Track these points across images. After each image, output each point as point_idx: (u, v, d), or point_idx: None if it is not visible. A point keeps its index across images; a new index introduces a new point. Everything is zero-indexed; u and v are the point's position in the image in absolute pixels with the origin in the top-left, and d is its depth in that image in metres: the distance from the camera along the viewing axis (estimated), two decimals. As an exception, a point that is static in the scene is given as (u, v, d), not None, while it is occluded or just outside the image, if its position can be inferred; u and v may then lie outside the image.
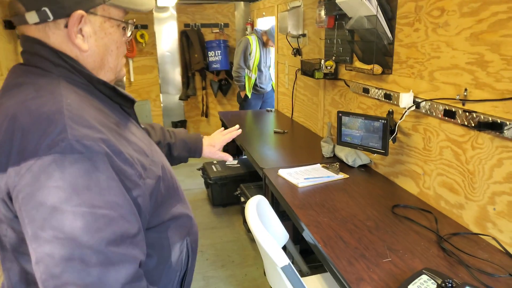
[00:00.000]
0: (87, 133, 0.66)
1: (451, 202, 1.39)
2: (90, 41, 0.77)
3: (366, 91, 1.94)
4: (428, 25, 1.47)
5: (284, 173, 1.90)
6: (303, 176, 1.83)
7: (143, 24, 4.47)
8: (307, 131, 2.82)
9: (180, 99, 4.85)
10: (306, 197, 1.62)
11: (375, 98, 1.87)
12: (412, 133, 1.61)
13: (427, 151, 1.51)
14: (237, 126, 1.42)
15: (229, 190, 3.23)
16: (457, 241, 1.24)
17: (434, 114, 1.43)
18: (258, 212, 1.38)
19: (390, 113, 1.74)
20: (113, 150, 0.69)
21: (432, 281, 0.97)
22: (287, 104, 3.38)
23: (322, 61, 2.27)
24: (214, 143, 1.34)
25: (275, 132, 2.80)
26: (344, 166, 1.97)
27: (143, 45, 4.51)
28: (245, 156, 3.41)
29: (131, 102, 0.85)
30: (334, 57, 2.25)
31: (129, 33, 0.84)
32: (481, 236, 1.26)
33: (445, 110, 1.36)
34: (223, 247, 2.68)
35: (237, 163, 3.50)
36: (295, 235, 1.94)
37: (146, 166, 0.77)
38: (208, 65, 4.69)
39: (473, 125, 1.24)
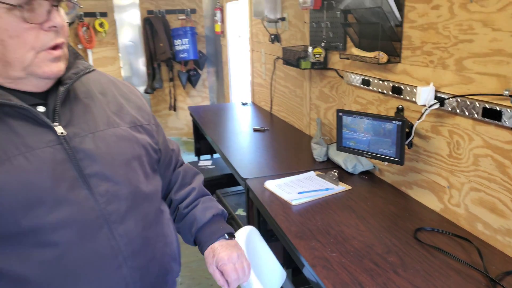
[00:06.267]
0: None
1: (494, 227, 1.10)
2: None
3: (366, 83, 1.62)
4: (453, 1, 1.15)
5: (272, 185, 1.56)
6: (296, 190, 1.50)
7: (102, 12, 4.04)
8: (290, 128, 2.49)
9: (146, 92, 4.38)
10: (304, 220, 1.29)
11: (378, 92, 1.56)
12: (431, 136, 1.30)
13: (455, 159, 1.21)
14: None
15: (203, 197, 2.86)
16: None
17: (466, 113, 1.13)
18: (248, 249, 1.04)
19: (400, 110, 1.43)
20: None
21: None
22: (264, 96, 3.03)
23: (309, 48, 1.93)
24: (216, 256, 0.89)
25: (254, 130, 2.45)
26: (342, 173, 1.66)
27: (103, 34, 4.09)
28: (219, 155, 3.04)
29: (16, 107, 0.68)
30: (323, 43, 1.92)
31: (29, 15, 0.65)
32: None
33: (485, 109, 1.06)
34: (199, 267, 2.32)
35: (211, 164, 3.12)
36: (285, 258, 1.61)
37: None
38: (175, 54, 4.25)
39: (531, 130, 0.94)
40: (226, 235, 0.93)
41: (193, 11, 4.39)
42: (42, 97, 0.74)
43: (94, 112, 0.79)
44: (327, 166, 1.76)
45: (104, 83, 0.86)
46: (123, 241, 0.75)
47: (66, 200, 0.70)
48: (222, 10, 3.97)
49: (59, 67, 0.72)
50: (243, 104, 3.28)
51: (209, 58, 4.55)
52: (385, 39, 1.45)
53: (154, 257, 0.81)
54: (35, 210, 0.67)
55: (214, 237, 0.92)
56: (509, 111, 0.99)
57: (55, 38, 0.69)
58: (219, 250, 0.89)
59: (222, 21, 3.97)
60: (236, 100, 4.07)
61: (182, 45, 4.18)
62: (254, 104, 3.28)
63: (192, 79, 4.51)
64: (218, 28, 4.00)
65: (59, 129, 0.72)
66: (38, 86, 0.73)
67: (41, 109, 0.73)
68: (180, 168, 1.01)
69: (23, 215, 0.66)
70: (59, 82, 0.75)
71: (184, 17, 4.35)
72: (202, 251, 0.93)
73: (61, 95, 0.73)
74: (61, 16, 0.71)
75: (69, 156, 0.72)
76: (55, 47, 0.70)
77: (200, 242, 0.93)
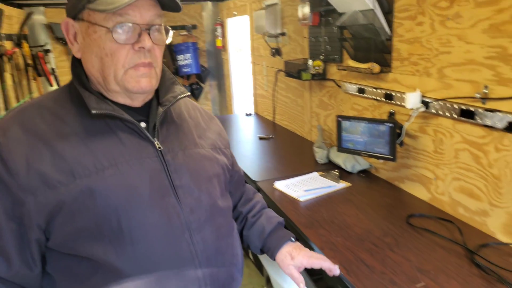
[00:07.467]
0: None
1: (472, 209, 1.28)
2: (82, 48, 0.78)
3: (361, 91, 1.81)
4: (434, 18, 1.35)
5: (281, 185, 1.74)
6: (302, 188, 1.68)
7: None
8: (293, 135, 2.67)
9: (150, 106, 4.57)
10: (311, 213, 1.46)
11: (372, 99, 1.75)
12: (419, 135, 1.49)
13: (439, 154, 1.40)
14: (337, 269, 1.00)
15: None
16: (489, 253, 1.13)
17: (447, 114, 1.32)
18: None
19: (392, 114, 1.62)
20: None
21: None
22: (267, 106, 3.23)
23: (309, 61, 2.13)
24: (296, 257, 1.02)
25: (260, 138, 2.63)
26: (342, 173, 1.84)
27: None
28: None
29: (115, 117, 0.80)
30: (322, 56, 2.12)
31: (121, 37, 0.76)
32: (512, 246, 1.15)
33: (461, 110, 1.25)
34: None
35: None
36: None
37: (50, 182, 0.73)
38: (178, 69, 4.45)
39: (499, 125, 1.13)
40: (292, 238, 1.07)
41: (194, 27, 4.60)
42: (144, 114, 0.85)
43: (184, 132, 0.90)
44: (328, 167, 1.94)
45: (191, 108, 1.00)
46: (200, 247, 0.83)
47: (159, 205, 0.79)
48: (222, 26, 4.19)
49: (147, 82, 0.80)
50: (247, 114, 3.47)
51: (211, 72, 4.76)
52: (377, 51, 1.65)
53: (224, 265, 0.89)
54: (133, 211, 0.76)
55: (283, 241, 1.04)
56: (480, 111, 1.18)
57: (142, 58, 0.78)
58: (295, 252, 1.01)
59: (223, 36, 4.20)
60: (239, 111, 4.26)
61: (184, 60, 4.39)
62: (257, 114, 3.47)
63: (195, 92, 4.70)
64: (219, 43, 4.22)
65: (157, 144, 0.83)
66: (132, 100, 0.83)
67: (142, 125, 0.84)
68: (244, 187, 1.18)
69: (124, 215, 0.75)
70: (158, 103, 0.87)
71: (185, 33, 4.56)
72: (273, 256, 1.04)
73: (161, 115, 0.85)
74: (154, 39, 0.78)
75: (163, 168, 0.82)
76: (142, 66, 0.78)
77: (269, 247, 1.04)
